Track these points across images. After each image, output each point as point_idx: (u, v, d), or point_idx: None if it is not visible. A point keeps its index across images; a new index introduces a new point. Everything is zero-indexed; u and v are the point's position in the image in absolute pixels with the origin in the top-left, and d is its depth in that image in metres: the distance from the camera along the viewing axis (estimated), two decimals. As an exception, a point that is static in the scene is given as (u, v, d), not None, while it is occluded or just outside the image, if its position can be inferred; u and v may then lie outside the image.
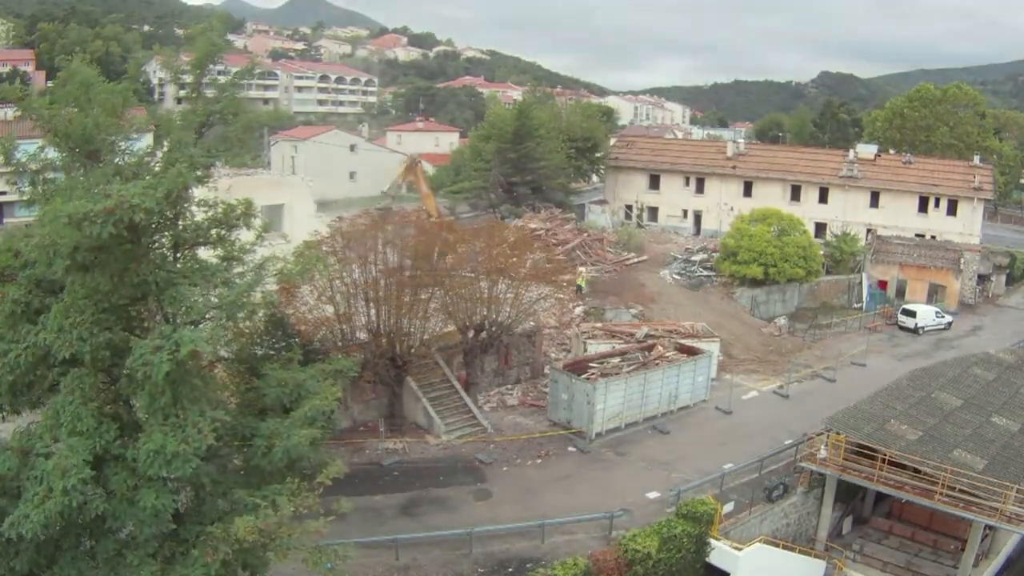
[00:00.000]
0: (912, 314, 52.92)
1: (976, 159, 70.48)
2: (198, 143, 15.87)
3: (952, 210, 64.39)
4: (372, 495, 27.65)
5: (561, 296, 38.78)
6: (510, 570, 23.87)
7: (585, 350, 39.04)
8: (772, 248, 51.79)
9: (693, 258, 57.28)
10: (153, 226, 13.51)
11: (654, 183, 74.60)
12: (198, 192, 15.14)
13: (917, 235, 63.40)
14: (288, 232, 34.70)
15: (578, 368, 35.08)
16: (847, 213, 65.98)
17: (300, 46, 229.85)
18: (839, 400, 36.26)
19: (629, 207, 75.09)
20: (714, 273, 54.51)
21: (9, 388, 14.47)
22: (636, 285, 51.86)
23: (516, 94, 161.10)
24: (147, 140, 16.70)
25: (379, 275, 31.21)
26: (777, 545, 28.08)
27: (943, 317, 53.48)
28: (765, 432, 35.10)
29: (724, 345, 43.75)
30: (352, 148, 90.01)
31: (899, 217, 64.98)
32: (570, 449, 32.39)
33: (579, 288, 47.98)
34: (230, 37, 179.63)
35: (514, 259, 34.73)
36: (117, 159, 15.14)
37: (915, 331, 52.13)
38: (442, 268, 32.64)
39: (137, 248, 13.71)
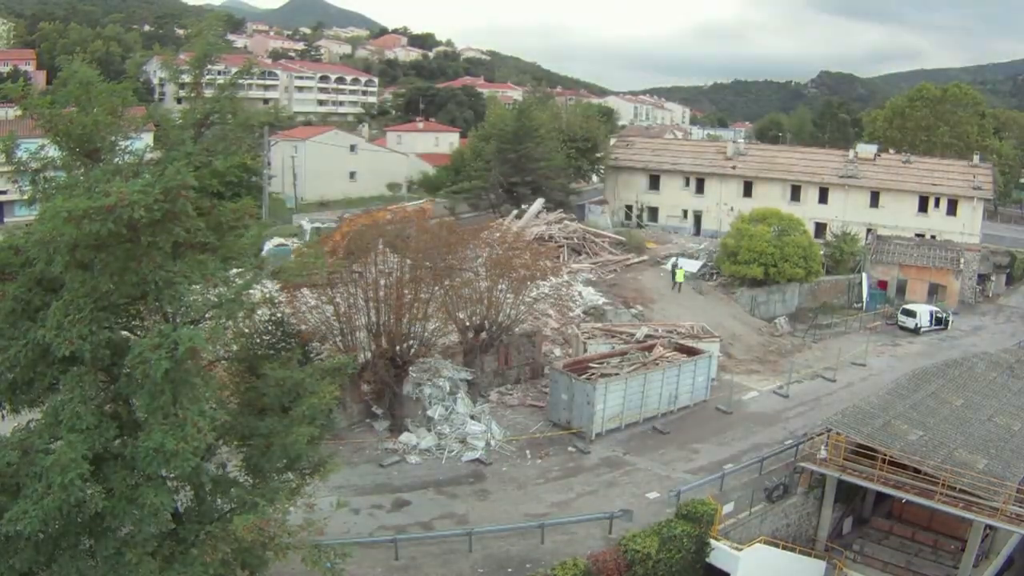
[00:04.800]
0: (912, 314, 52.95)
1: (976, 159, 70.51)
2: (197, 142, 15.89)
3: (952, 210, 64.41)
4: (371, 495, 27.66)
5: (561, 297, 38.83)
6: (509, 570, 23.84)
7: (585, 350, 39.03)
8: (772, 248, 51.74)
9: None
10: (152, 224, 13.51)
11: (654, 183, 74.61)
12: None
13: (917, 235, 63.40)
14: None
15: (578, 368, 35.08)
16: (847, 213, 65.95)
17: (300, 46, 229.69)
18: (839, 400, 36.32)
19: (629, 207, 75.10)
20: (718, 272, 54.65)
21: (9, 386, 14.47)
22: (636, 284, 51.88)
23: (516, 94, 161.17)
24: (147, 139, 16.72)
25: (379, 275, 31.22)
26: (777, 545, 28.08)
27: (943, 316, 53.52)
28: (765, 432, 35.11)
29: (724, 345, 43.74)
30: (352, 148, 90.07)
31: (899, 217, 64.99)
32: (570, 449, 32.38)
33: (677, 284, 51.14)
34: (230, 37, 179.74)
35: (515, 258, 34.78)
36: (117, 158, 15.16)
37: (915, 331, 52.15)
38: (442, 268, 32.64)
39: (136, 247, 13.72)
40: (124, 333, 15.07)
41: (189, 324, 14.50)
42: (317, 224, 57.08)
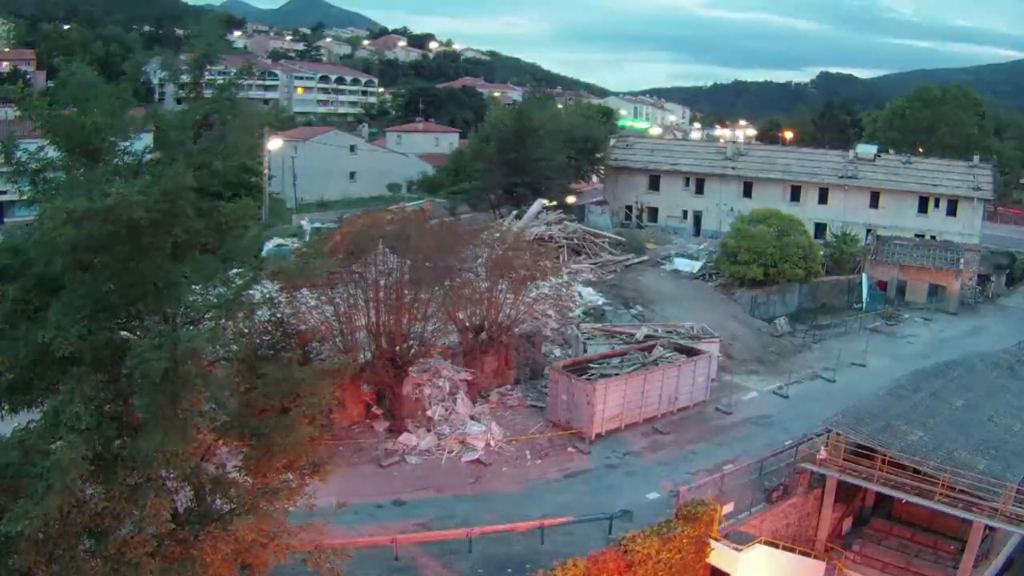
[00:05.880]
0: None
1: (976, 159, 70.49)
2: (196, 143, 15.90)
3: (952, 210, 64.41)
4: (371, 495, 27.64)
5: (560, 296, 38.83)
6: (509, 571, 23.85)
7: (585, 351, 39.03)
8: (772, 249, 51.72)
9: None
10: (152, 225, 13.52)
11: (654, 184, 74.60)
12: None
13: (917, 235, 63.35)
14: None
15: (578, 369, 35.08)
16: (847, 213, 65.95)
17: (300, 46, 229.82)
18: (839, 400, 36.24)
19: (629, 208, 75.10)
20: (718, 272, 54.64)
21: (9, 387, 14.49)
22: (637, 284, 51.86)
23: (516, 95, 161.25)
24: (147, 140, 16.73)
25: (379, 275, 31.22)
26: (777, 546, 28.06)
27: None
28: (765, 432, 35.10)
29: (724, 346, 43.70)
30: (352, 149, 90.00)
31: (899, 217, 64.97)
32: (570, 450, 32.38)
33: None
34: (230, 37, 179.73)
35: (514, 258, 34.80)
36: (117, 159, 15.16)
37: None
38: (442, 268, 32.64)
39: (136, 247, 13.73)
40: (124, 333, 15.07)
41: (189, 324, 14.51)
42: (317, 224, 57.10)
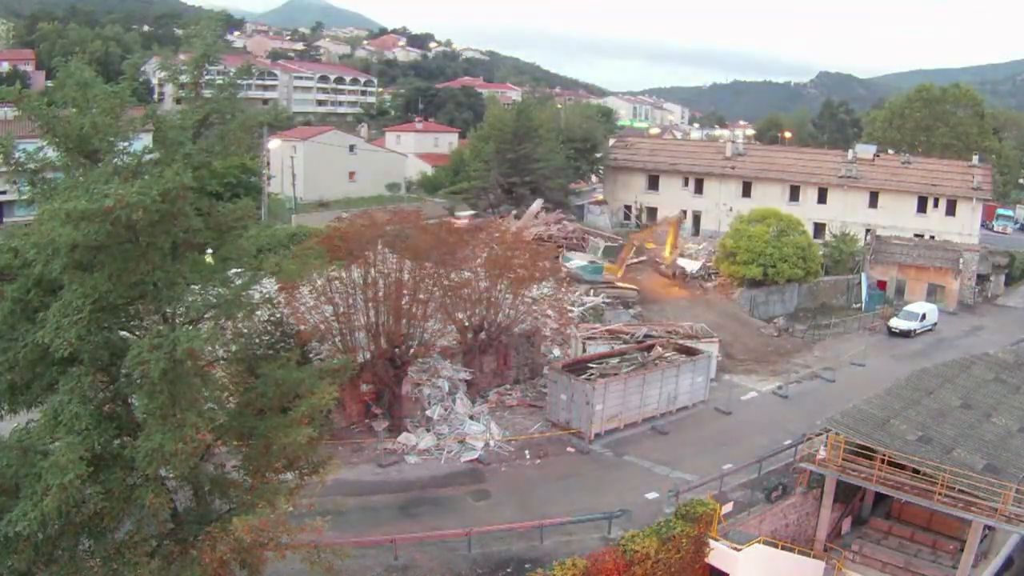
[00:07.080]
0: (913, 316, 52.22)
1: (975, 159, 70.51)
2: (196, 143, 15.87)
3: (951, 210, 64.45)
4: (370, 495, 27.66)
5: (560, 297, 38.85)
6: (508, 570, 23.88)
7: (584, 350, 39.04)
8: (771, 248, 51.77)
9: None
10: (151, 225, 13.52)
11: (653, 184, 74.63)
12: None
13: (916, 235, 63.40)
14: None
15: (577, 369, 35.09)
16: (846, 213, 65.96)
17: (299, 46, 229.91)
18: (838, 400, 36.31)
19: (628, 207, 75.13)
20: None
21: (8, 387, 14.47)
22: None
23: (515, 94, 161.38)
24: (146, 140, 16.72)
25: (378, 276, 31.22)
26: (776, 545, 28.08)
27: (925, 319, 52.43)
28: (764, 432, 35.11)
29: (723, 346, 43.73)
30: (351, 148, 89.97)
31: (898, 217, 64.98)
32: (569, 450, 32.40)
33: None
34: (229, 37, 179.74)
35: (513, 258, 34.80)
36: (116, 159, 15.14)
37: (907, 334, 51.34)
38: (441, 268, 32.64)
39: (135, 247, 13.72)
40: (123, 333, 15.07)
41: (188, 325, 14.51)
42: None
